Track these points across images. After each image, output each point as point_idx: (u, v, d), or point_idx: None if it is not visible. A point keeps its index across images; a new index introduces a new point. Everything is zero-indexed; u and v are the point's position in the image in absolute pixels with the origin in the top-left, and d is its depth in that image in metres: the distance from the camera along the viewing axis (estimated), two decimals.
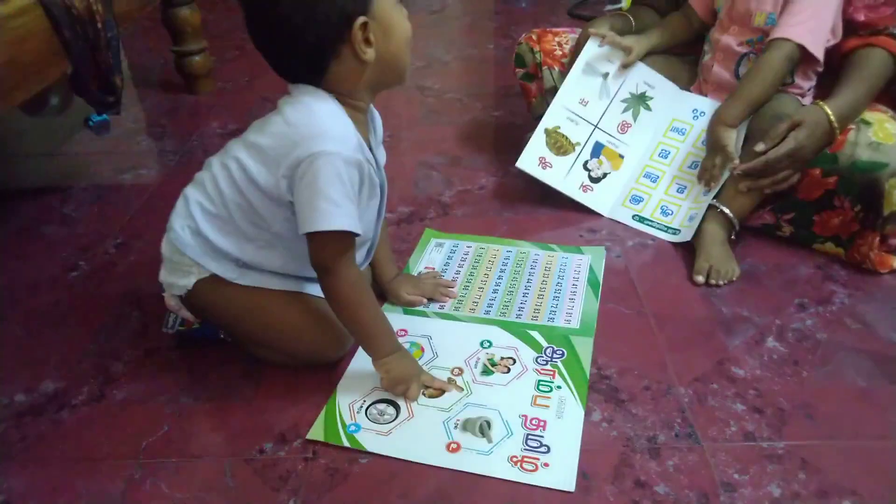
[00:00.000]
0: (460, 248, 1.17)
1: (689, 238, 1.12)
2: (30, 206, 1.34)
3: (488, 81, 1.96)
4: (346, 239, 0.78)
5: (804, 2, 1.07)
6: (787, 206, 1.12)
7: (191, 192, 0.85)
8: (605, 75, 1.25)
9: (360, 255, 0.90)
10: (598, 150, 1.25)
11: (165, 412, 0.85)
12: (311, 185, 0.74)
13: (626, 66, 1.25)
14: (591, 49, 1.25)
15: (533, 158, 1.24)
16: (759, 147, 1.05)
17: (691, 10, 1.26)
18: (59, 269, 1.14)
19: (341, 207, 0.74)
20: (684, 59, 1.31)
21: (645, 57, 1.27)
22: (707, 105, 1.22)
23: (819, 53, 1.08)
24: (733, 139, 1.11)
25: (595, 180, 1.25)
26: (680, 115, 1.25)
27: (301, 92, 0.78)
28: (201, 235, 0.83)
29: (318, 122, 0.75)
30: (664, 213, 1.18)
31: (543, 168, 1.24)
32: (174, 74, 1.87)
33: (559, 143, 1.24)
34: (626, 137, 1.26)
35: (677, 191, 1.19)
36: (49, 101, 1.64)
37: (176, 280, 0.85)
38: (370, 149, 0.84)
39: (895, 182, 1.02)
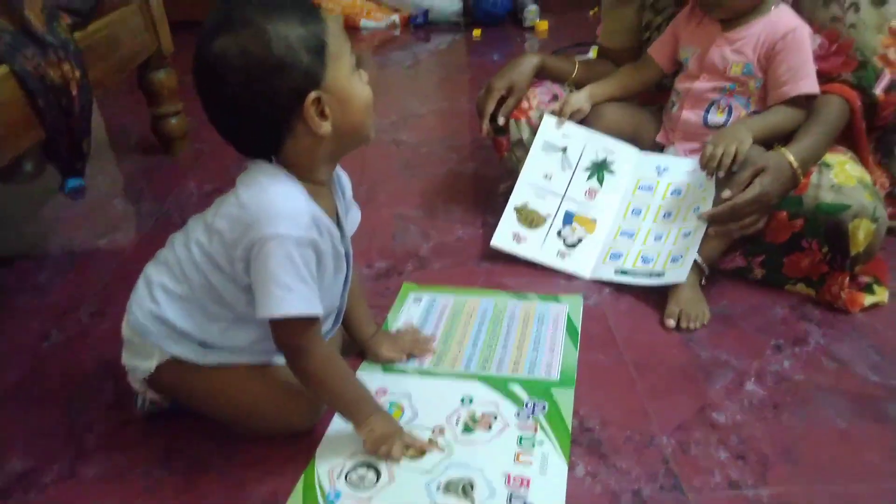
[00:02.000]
0: (439, 302, 1.17)
1: (679, 278, 1.12)
2: (2, 275, 1.32)
3: (463, 133, 1.99)
4: (305, 321, 0.76)
5: (802, 61, 1.11)
6: (758, 249, 1.15)
7: (153, 272, 0.84)
8: (564, 149, 1.29)
9: (327, 323, 0.89)
10: (569, 218, 1.28)
11: (139, 487, 0.83)
12: (264, 270, 0.73)
13: (577, 117, 1.30)
14: (546, 126, 1.30)
15: (506, 235, 1.27)
16: (726, 193, 1.07)
17: (650, 59, 1.30)
18: (31, 340, 1.12)
19: (294, 291, 0.73)
20: (649, 108, 1.35)
21: (610, 108, 1.30)
22: (668, 160, 1.26)
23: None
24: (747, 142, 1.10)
25: (571, 246, 1.26)
26: (644, 174, 1.28)
27: (256, 169, 0.78)
28: (162, 318, 0.82)
29: (269, 204, 0.74)
30: (645, 261, 1.19)
31: (518, 242, 1.27)
32: (151, 137, 1.89)
33: (530, 218, 1.27)
34: (595, 203, 1.29)
35: (655, 239, 1.21)
36: (22, 168, 1.64)
37: (137, 363, 0.84)
38: (337, 217, 0.84)
39: (858, 223, 1.04)
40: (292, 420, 0.88)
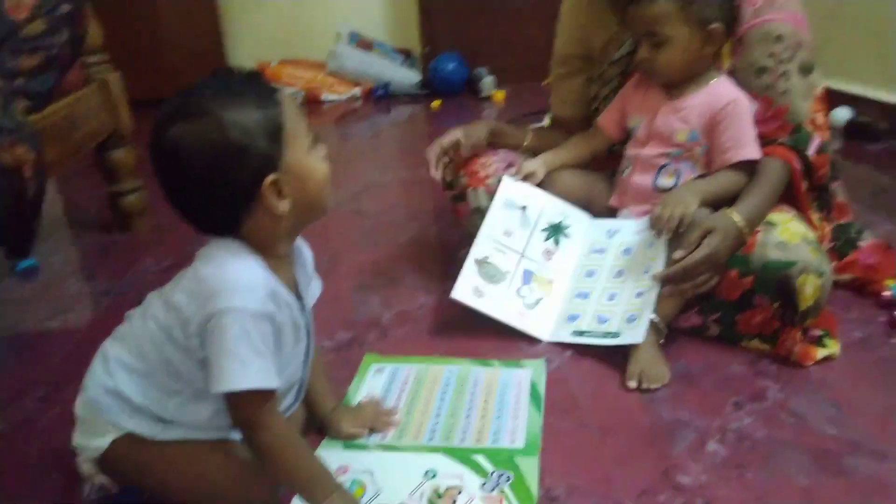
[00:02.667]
0: (401, 372, 1.16)
1: (636, 339, 1.13)
2: None
3: (424, 201, 2.02)
4: (261, 395, 0.75)
5: (743, 129, 1.17)
6: (712, 307, 1.17)
7: (110, 347, 0.83)
8: (524, 208, 1.32)
9: (289, 397, 0.88)
10: (528, 277, 1.29)
11: None
12: (218, 344, 0.72)
13: (532, 180, 1.33)
14: (507, 185, 1.32)
15: (466, 288, 1.25)
16: (678, 254, 1.10)
17: (599, 129, 1.35)
18: None
19: (249, 365, 0.73)
20: (601, 174, 1.39)
21: (563, 174, 1.35)
22: (618, 223, 1.30)
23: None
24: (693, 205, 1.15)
25: (530, 306, 1.27)
26: (596, 238, 1.32)
27: (215, 244, 0.78)
28: (118, 393, 0.80)
29: (226, 278, 0.74)
30: (600, 321, 1.21)
31: (479, 297, 1.25)
32: (108, 214, 1.87)
33: (491, 273, 1.27)
34: (551, 264, 1.31)
35: (609, 299, 1.23)
36: None
37: (90, 442, 0.82)
38: (297, 289, 0.84)
39: (805, 278, 1.08)
40: (252, 500, 0.85)
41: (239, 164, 0.72)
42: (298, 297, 0.85)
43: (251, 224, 0.76)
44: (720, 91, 1.19)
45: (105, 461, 0.82)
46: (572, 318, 1.25)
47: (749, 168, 1.18)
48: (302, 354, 0.88)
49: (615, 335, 1.16)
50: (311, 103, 3.46)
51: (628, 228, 1.27)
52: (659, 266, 1.15)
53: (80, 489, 0.88)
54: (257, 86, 0.76)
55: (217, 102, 0.72)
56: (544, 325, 1.26)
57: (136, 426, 0.81)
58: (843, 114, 2.34)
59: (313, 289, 0.92)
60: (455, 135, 1.36)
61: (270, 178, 0.74)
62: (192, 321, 0.75)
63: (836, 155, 1.31)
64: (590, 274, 1.29)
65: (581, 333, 1.21)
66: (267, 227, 0.77)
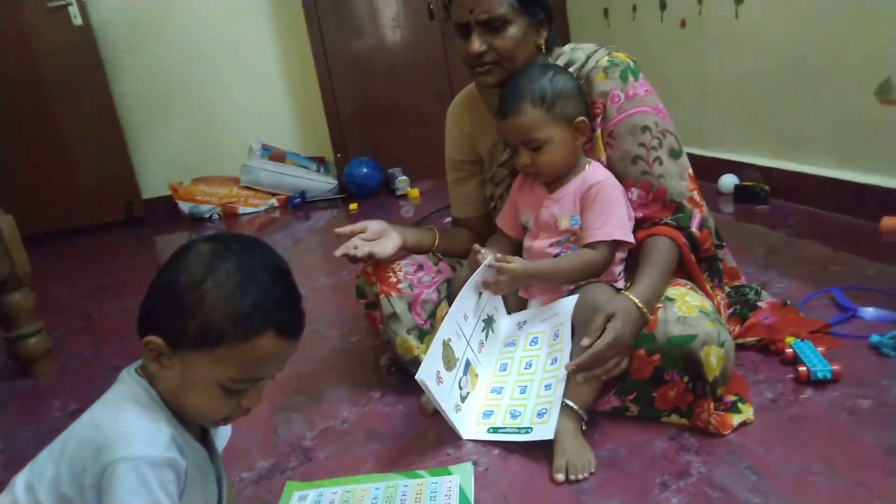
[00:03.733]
0: (325, 498, 1.11)
1: (547, 435, 1.13)
2: None
3: (344, 307, 2.01)
4: None
5: (602, 210, 1.23)
6: (627, 387, 1.19)
7: None
8: (481, 294, 1.30)
9: None
10: (467, 367, 1.28)
11: None
12: (115, 496, 0.68)
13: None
14: (485, 268, 1.27)
15: (431, 372, 1.18)
16: (585, 342, 1.13)
17: (500, 230, 1.40)
18: None
19: None
20: None
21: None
22: (525, 314, 1.33)
23: (631, 238, 1.24)
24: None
25: (463, 399, 1.26)
26: (510, 331, 1.34)
27: (121, 380, 0.76)
28: None
29: (123, 423, 0.71)
30: (513, 416, 1.21)
31: (439, 383, 1.19)
32: (8, 360, 1.76)
33: (448, 357, 1.23)
34: (481, 356, 1.31)
35: (520, 392, 1.23)
36: None
37: None
38: (206, 436, 0.81)
39: (708, 350, 1.12)
40: None
41: (171, 299, 0.73)
42: (206, 445, 0.82)
43: (150, 364, 0.75)
44: (588, 176, 1.26)
45: None
46: (487, 414, 1.24)
47: (612, 247, 1.23)
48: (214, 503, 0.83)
49: (528, 430, 1.16)
50: (229, 217, 3.45)
51: (533, 318, 1.30)
52: (566, 355, 1.17)
53: None
54: (285, 305, 0.77)
55: (239, 262, 0.75)
56: (466, 422, 1.24)
57: None
58: (729, 180, 2.52)
59: (222, 433, 0.89)
60: (367, 249, 1.36)
61: (153, 339, 0.73)
62: (87, 473, 0.70)
63: (718, 224, 1.39)
64: (503, 368, 1.30)
65: (496, 430, 1.20)
66: (162, 378, 0.75)
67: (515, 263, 1.24)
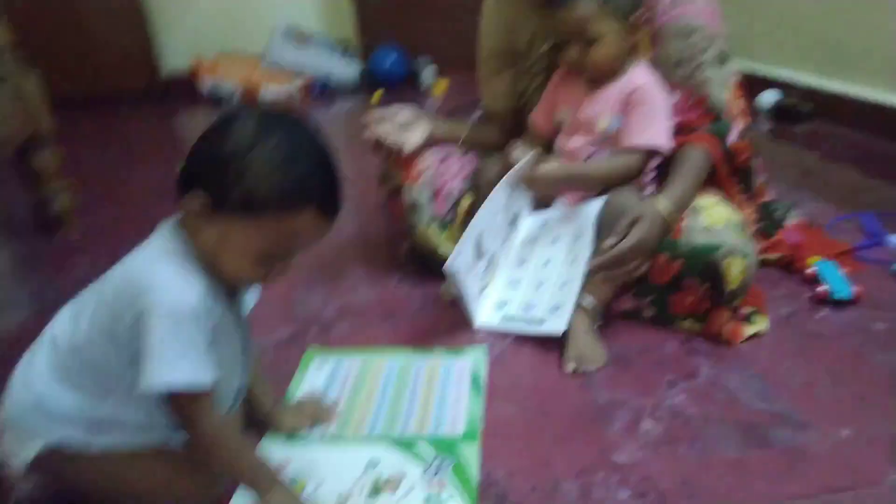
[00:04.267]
0: (343, 366, 1.16)
1: (558, 328, 1.16)
2: None
3: (366, 196, 2.00)
4: (192, 392, 0.74)
5: (644, 115, 1.19)
6: (645, 290, 1.21)
7: (38, 351, 0.80)
8: (513, 190, 1.28)
9: (228, 402, 0.87)
10: (490, 260, 1.28)
11: None
12: (150, 340, 0.71)
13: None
14: (522, 164, 1.24)
15: (461, 262, 1.17)
16: (608, 242, 1.13)
17: (532, 127, 1.37)
18: None
19: (178, 363, 0.71)
20: None
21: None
22: (549, 214, 1.32)
23: (669, 147, 1.21)
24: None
25: (482, 289, 1.28)
26: (532, 229, 1.34)
27: (159, 233, 0.78)
28: (45, 401, 0.77)
29: (161, 273, 0.73)
30: (527, 309, 1.23)
31: (466, 275, 1.19)
32: (36, 218, 1.80)
33: (477, 250, 1.23)
34: (502, 251, 1.32)
35: (536, 288, 1.26)
36: None
37: (17, 450, 0.79)
38: (235, 292, 0.83)
39: (731, 261, 1.12)
40: (193, 498, 0.83)
41: (218, 162, 0.73)
42: (236, 299, 0.84)
43: (190, 220, 0.76)
44: (632, 78, 1.21)
45: (35, 468, 0.80)
46: (501, 304, 1.27)
47: (647, 154, 1.21)
48: (240, 362, 0.87)
49: (540, 322, 1.19)
50: (249, 100, 3.40)
51: (558, 218, 1.30)
52: (585, 256, 1.18)
53: (11, 493, 0.85)
54: (328, 174, 0.77)
55: (293, 133, 0.75)
56: (481, 310, 1.27)
57: (64, 436, 0.78)
58: (769, 97, 2.44)
59: (248, 296, 0.91)
60: (397, 139, 1.34)
61: (196, 197, 0.73)
62: (125, 316, 0.73)
63: (757, 138, 1.36)
64: (521, 263, 1.31)
65: (509, 320, 1.23)
66: (200, 236, 0.76)
67: (552, 163, 1.22)
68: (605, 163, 1.23)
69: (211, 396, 0.77)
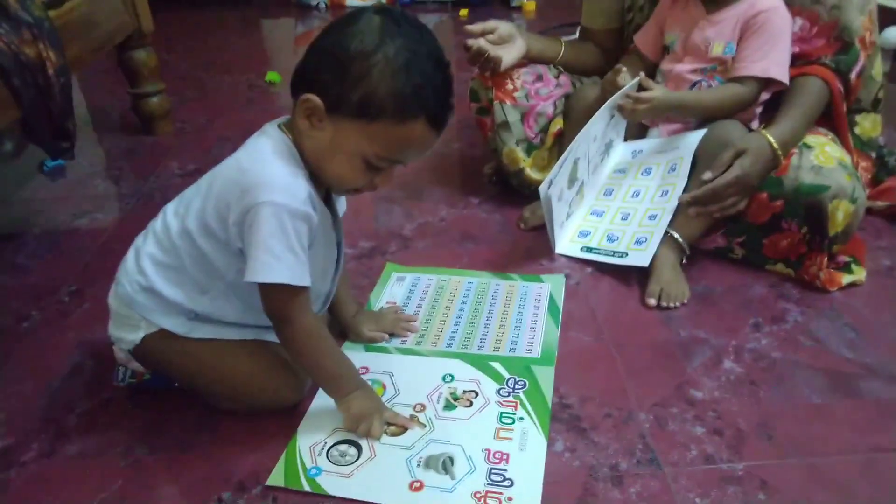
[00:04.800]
0: (421, 282, 1.18)
1: (642, 261, 1.13)
2: None
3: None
4: (292, 290, 0.76)
5: (764, 42, 1.11)
6: (738, 229, 1.15)
7: (142, 242, 0.84)
8: (613, 117, 1.24)
9: (316, 304, 0.89)
10: (580, 188, 1.26)
11: (120, 465, 0.83)
12: (257, 236, 0.73)
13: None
14: (626, 89, 1.19)
15: (555, 188, 1.15)
16: (707, 175, 1.07)
17: (635, 51, 1.29)
18: (11, 320, 1.11)
19: (282, 260, 0.73)
20: None
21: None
22: (643, 144, 1.27)
23: (787, 80, 1.13)
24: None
25: (568, 216, 1.26)
26: (622, 157, 1.29)
27: (266, 133, 0.79)
28: (150, 289, 0.82)
29: (269, 172, 0.74)
30: (610, 240, 1.20)
31: (558, 200, 1.17)
32: (132, 116, 1.86)
33: (572, 176, 1.20)
34: (591, 179, 1.28)
35: (621, 219, 1.22)
36: (2, 147, 1.62)
37: (124, 335, 0.84)
38: (330, 201, 0.84)
39: (837, 203, 1.05)
40: (280, 394, 0.88)
41: (337, 63, 0.72)
42: (331, 210, 0.86)
43: (298, 122, 0.76)
44: (757, 0, 1.12)
45: (138, 352, 0.85)
46: (583, 234, 1.24)
47: (761, 85, 1.13)
48: (332, 267, 0.89)
49: (623, 255, 1.16)
50: (336, 8, 3.35)
51: (651, 149, 1.24)
52: (678, 189, 1.13)
53: (114, 374, 0.92)
54: (444, 90, 0.75)
55: (418, 43, 0.73)
56: (563, 238, 1.25)
57: (168, 323, 0.83)
58: (893, 34, 2.22)
59: (341, 203, 0.93)
60: (496, 52, 1.28)
61: (312, 98, 0.73)
62: (232, 211, 0.75)
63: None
64: (608, 193, 1.27)
65: (590, 250, 1.21)
66: (310, 138, 0.76)
67: (658, 91, 1.16)
68: (717, 91, 1.16)
69: (308, 295, 0.79)
